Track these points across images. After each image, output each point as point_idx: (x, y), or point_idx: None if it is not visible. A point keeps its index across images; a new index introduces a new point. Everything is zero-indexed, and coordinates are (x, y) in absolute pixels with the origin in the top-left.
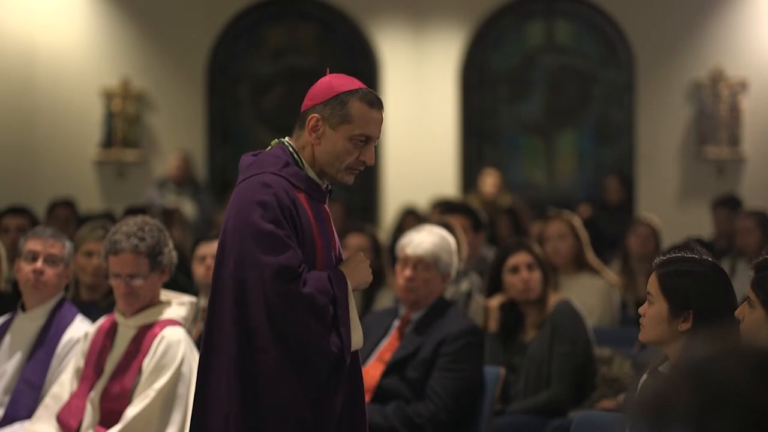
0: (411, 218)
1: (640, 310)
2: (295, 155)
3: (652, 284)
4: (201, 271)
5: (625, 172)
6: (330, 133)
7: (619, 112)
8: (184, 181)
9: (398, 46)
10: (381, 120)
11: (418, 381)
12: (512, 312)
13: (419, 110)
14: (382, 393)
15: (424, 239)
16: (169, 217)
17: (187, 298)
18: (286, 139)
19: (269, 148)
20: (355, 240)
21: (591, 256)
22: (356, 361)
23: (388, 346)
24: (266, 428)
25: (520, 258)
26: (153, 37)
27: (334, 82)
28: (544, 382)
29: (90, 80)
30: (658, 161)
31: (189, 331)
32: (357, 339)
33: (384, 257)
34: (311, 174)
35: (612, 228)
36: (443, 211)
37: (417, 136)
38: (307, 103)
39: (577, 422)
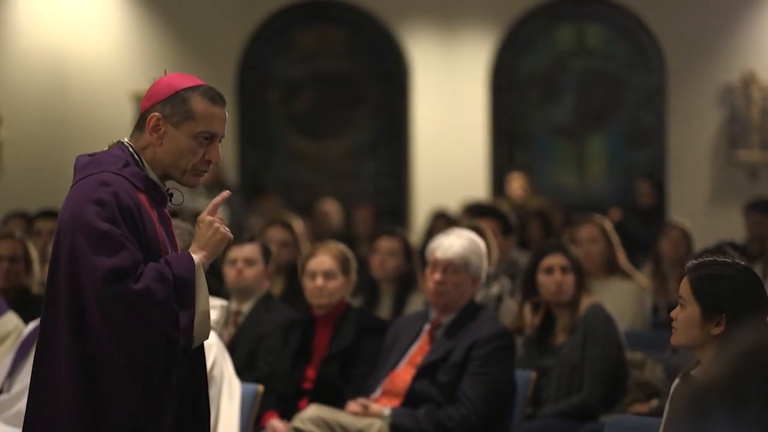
0: (441, 221)
1: (672, 313)
2: (136, 156)
3: (684, 288)
4: (232, 274)
5: (656, 175)
6: (172, 132)
7: (649, 115)
8: (215, 184)
9: (428, 50)
10: (224, 117)
11: (449, 385)
12: (545, 315)
13: (449, 113)
14: (413, 397)
15: (453, 243)
16: None
17: (218, 302)
18: (125, 139)
19: (107, 148)
20: (386, 243)
21: (622, 260)
22: (199, 353)
23: (419, 350)
24: None
25: (555, 260)
26: (183, 41)
27: (174, 80)
28: (575, 385)
29: (120, 84)
30: (689, 165)
31: (220, 335)
32: (201, 326)
33: (415, 261)
34: (152, 176)
35: (643, 232)
36: (473, 214)
37: (447, 139)
38: (145, 103)
39: (608, 426)
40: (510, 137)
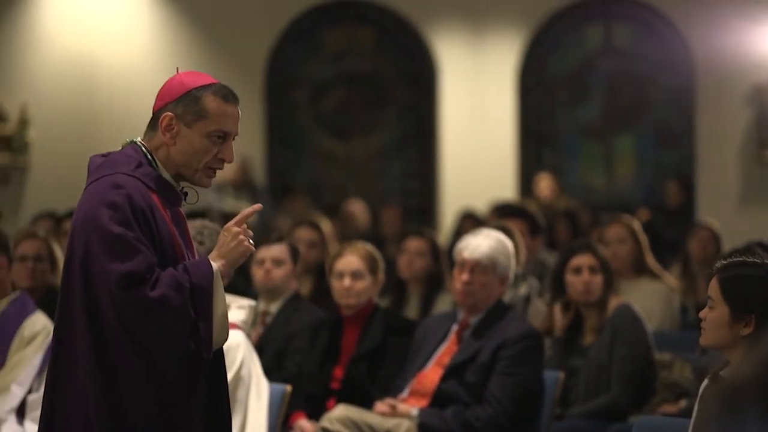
0: (469, 222)
1: (701, 314)
2: (149, 156)
3: (713, 289)
4: (260, 274)
5: (684, 175)
6: (185, 131)
7: (678, 115)
8: (243, 184)
9: (456, 50)
10: (237, 115)
11: (477, 385)
12: (573, 315)
13: (477, 114)
14: (440, 397)
15: (481, 243)
16: (228, 220)
17: (246, 302)
18: (138, 139)
19: (120, 148)
20: (414, 244)
21: (651, 260)
22: (219, 356)
23: (446, 351)
24: None
25: (583, 260)
26: (211, 42)
27: (186, 79)
28: (603, 386)
29: (149, 86)
30: (718, 165)
31: (248, 335)
32: (220, 334)
33: (443, 261)
34: (166, 176)
35: (672, 232)
36: (501, 214)
37: (475, 139)
38: (158, 103)
39: (637, 427)
40: (538, 137)
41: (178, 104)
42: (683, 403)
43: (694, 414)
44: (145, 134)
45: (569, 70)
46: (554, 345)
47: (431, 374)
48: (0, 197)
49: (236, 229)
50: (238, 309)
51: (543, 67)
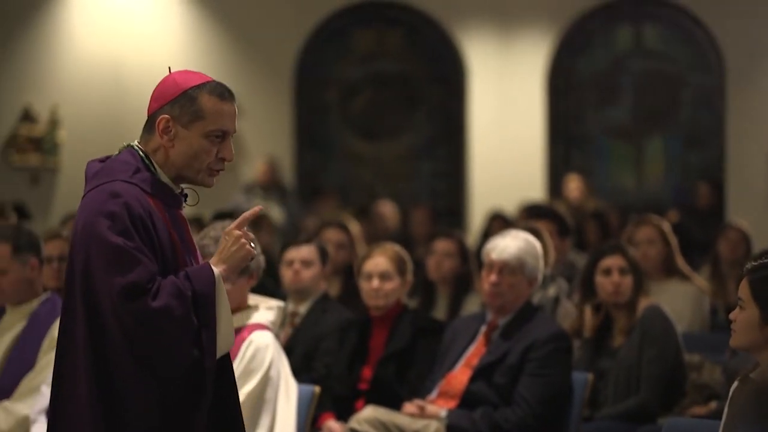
0: (498, 223)
1: (731, 315)
2: (146, 159)
3: (744, 290)
4: (289, 275)
5: (714, 176)
6: (183, 132)
7: (708, 116)
8: (272, 186)
9: (485, 51)
10: (234, 113)
11: (506, 386)
12: (603, 317)
13: (506, 115)
14: (469, 398)
15: (509, 244)
16: (257, 221)
17: (275, 303)
18: (135, 142)
19: (117, 153)
20: (443, 245)
21: (681, 262)
22: (226, 360)
23: (475, 352)
24: None
25: (613, 261)
26: (240, 44)
27: (179, 78)
28: (633, 388)
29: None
30: (748, 166)
31: (277, 336)
32: (225, 340)
33: (471, 262)
34: (164, 179)
35: (701, 233)
36: (530, 216)
37: (504, 140)
38: (153, 105)
39: (666, 429)
40: (567, 138)
41: (174, 105)
42: (713, 405)
43: (724, 416)
44: (142, 137)
45: (599, 70)
46: (583, 346)
47: (460, 375)
48: (30, 198)
49: (237, 232)
50: (266, 310)
51: (572, 68)
